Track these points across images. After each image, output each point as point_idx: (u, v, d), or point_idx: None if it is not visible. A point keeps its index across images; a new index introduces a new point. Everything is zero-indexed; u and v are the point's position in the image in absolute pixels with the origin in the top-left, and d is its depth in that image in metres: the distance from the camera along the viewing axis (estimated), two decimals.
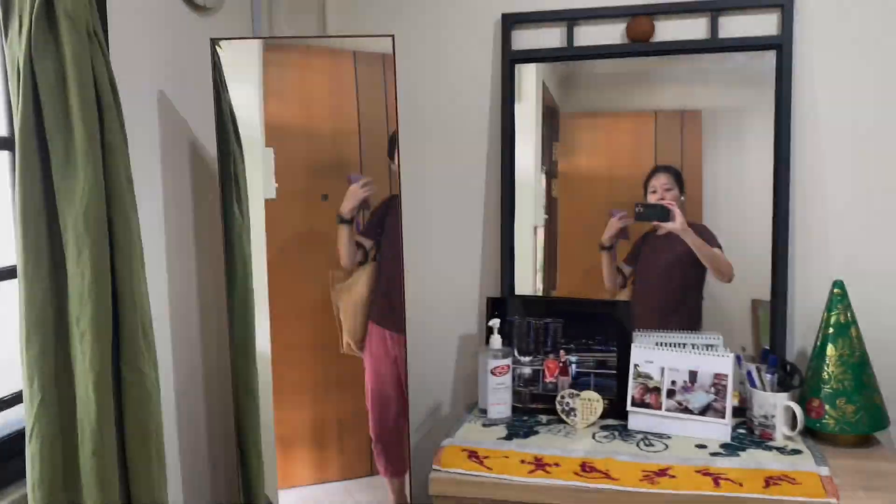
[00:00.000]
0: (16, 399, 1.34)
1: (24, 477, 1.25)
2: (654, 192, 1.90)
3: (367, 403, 1.94)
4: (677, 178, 1.90)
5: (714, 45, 1.81)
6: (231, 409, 1.78)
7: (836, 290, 1.63)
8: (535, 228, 2.00)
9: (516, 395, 1.84)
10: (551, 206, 2.00)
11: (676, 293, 1.92)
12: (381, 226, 1.88)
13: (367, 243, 1.88)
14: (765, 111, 1.80)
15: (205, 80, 1.69)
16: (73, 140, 1.12)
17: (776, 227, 1.78)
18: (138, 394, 1.22)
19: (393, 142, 1.85)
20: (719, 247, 1.86)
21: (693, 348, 1.72)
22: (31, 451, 1.16)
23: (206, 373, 1.88)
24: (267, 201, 1.86)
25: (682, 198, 1.89)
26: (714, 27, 1.81)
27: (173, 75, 1.70)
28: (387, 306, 1.89)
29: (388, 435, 1.93)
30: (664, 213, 1.87)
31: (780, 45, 1.75)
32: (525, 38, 1.93)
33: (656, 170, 1.92)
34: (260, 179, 1.82)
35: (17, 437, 1.35)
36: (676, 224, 1.87)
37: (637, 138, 1.95)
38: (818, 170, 1.79)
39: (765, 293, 1.82)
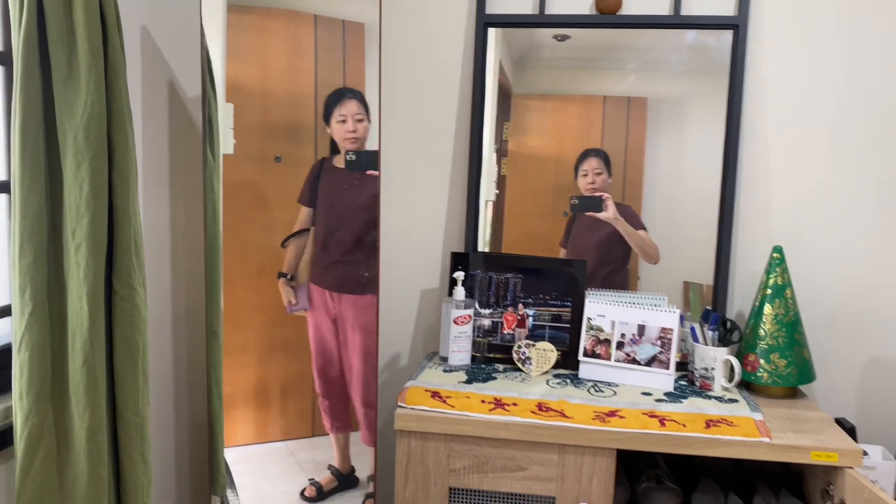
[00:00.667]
0: None
1: (9, 390, 1.28)
2: (585, 175, 2.01)
3: (312, 361, 2.00)
4: (606, 161, 2.01)
5: (677, 21, 1.93)
6: (201, 350, 1.82)
7: (775, 255, 1.77)
8: (486, 203, 2.08)
9: (475, 344, 1.93)
10: (500, 183, 2.08)
11: (605, 271, 2.02)
12: (315, 191, 1.94)
13: (306, 210, 1.95)
14: (709, 100, 1.92)
15: (186, 22, 1.71)
16: (77, 55, 1.14)
17: (724, 198, 1.91)
18: (129, 309, 1.25)
19: (329, 106, 1.91)
20: (644, 228, 1.98)
21: (641, 307, 1.83)
22: (19, 360, 1.18)
23: (176, 312, 1.91)
24: (225, 156, 1.90)
25: (609, 180, 2.00)
26: (677, 4, 1.92)
27: (157, 12, 1.71)
28: (324, 268, 1.95)
29: (332, 392, 2.00)
30: (597, 204, 1.99)
31: (737, 26, 1.88)
32: (498, 3, 2.01)
33: (587, 153, 2.02)
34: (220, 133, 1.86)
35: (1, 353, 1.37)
36: (609, 214, 1.98)
37: (585, 122, 2.03)
38: (763, 146, 1.92)
39: (696, 275, 1.94)
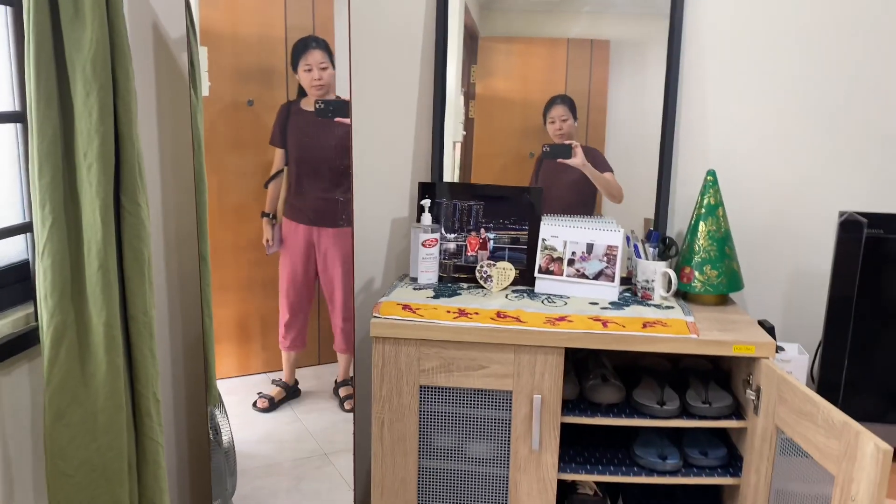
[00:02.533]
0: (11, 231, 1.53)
1: (27, 300, 1.45)
2: (553, 122, 2.16)
3: (282, 286, 2.18)
4: (572, 107, 2.15)
5: None
6: (194, 276, 1.99)
7: (708, 177, 1.97)
8: (455, 144, 2.22)
9: (442, 266, 2.12)
10: (469, 125, 2.20)
11: (571, 212, 2.16)
12: (285, 133, 2.10)
13: (280, 151, 2.11)
14: (660, 41, 2.06)
15: None
16: None
17: (664, 127, 2.10)
18: (135, 222, 1.42)
19: (295, 54, 2.05)
20: (610, 170, 2.14)
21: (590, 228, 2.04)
22: (42, 266, 1.35)
23: (167, 240, 2.07)
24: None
25: (576, 124, 2.15)
26: None
27: None
28: (300, 204, 2.12)
29: (296, 316, 2.19)
30: (567, 151, 2.14)
31: None
32: None
33: (554, 100, 2.15)
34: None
35: (17, 268, 1.54)
36: (577, 160, 2.14)
37: (550, 64, 2.14)
38: (700, 84, 2.11)
39: (651, 210, 2.11)
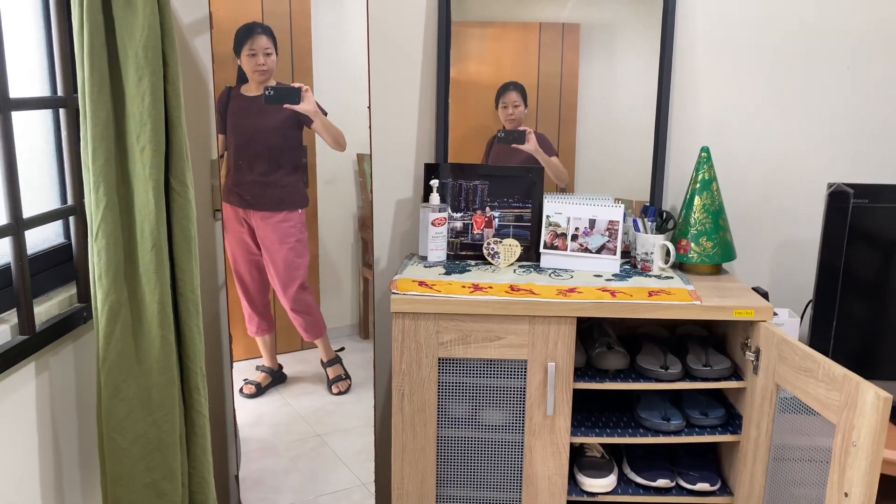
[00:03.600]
0: (43, 218, 1.56)
1: (67, 282, 1.49)
2: (506, 107, 2.25)
3: (234, 271, 2.20)
4: (523, 94, 2.23)
5: None
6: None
7: (703, 154, 2.08)
8: None
9: (449, 244, 2.20)
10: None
11: None
12: (224, 118, 2.13)
13: (222, 137, 2.13)
14: (641, 23, 2.16)
15: None
16: None
17: (659, 107, 2.21)
18: (183, 203, 1.47)
19: (239, 39, 2.07)
20: (556, 154, 2.24)
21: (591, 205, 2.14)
22: (97, 247, 1.39)
23: None
24: None
25: (525, 110, 2.23)
26: None
27: None
28: (238, 189, 2.15)
29: (252, 300, 2.24)
30: (521, 137, 2.24)
31: None
32: None
33: (507, 86, 2.23)
34: None
35: (58, 251, 1.57)
36: (530, 146, 2.24)
37: (523, 48, 2.21)
38: (692, 63, 2.22)
39: (627, 191, 2.21)
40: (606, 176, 2.26)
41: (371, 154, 2.21)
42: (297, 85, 2.09)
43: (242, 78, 2.12)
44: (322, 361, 2.32)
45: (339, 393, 2.32)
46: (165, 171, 1.44)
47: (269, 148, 2.14)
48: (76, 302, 1.53)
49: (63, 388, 1.49)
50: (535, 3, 2.19)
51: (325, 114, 2.10)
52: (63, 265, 1.57)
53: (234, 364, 2.26)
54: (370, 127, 2.16)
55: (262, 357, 2.33)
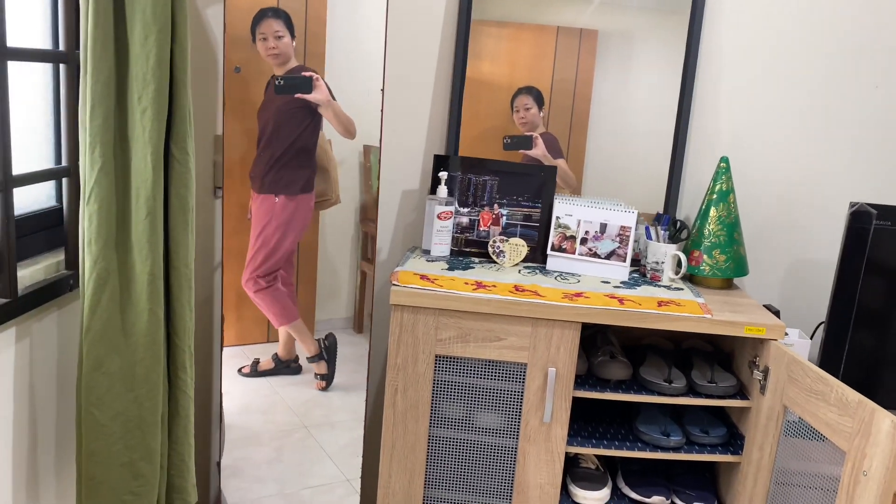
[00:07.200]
0: (34, 177, 1.49)
1: (56, 247, 1.42)
2: (517, 111, 2.20)
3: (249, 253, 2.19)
4: (538, 97, 2.19)
5: None
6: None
7: (721, 164, 2.02)
8: None
9: (454, 240, 2.14)
10: None
11: None
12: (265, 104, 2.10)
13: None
14: (664, 33, 2.11)
15: None
16: None
17: (680, 115, 2.15)
18: (183, 171, 1.40)
19: (254, 22, 2.05)
20: (563, 157, 2.19)
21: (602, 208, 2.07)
22: (88, 211, 1.32)
23: None
24: None
25: (540, 114, 2.19)
26: None
27: None
28: (259, 173, 2.16)
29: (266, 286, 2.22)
30: (528, 142, 2.19)
31: None
32: None
33: (520, 91, 2.19)
34: None
35: (47, 214, 1.51)
36: (538, 151, 2.19)
37: (540, 51, 2.17)
38: (717, 72, 2.16)
39: (638, 201, 2.12)
40: (615, 185, 2.20)
41: (381, 139, 2.15)
42: (307, 73, 2.04)
43: None
44: (307, 356, 2.28)
45: (322, 390, 2.28)
46: (166, 136, 1.38)
47: (276, 135, 2.11)
48: (63, 269, 1.46)
49: (44, 357, 1.42)
50: (555, 6, 2.15)
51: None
52: (53, 229, 1.50)
53: (224, 349, 2.20)
54: (382, 111, 2.10)
55: (250, 345, 2.28)
